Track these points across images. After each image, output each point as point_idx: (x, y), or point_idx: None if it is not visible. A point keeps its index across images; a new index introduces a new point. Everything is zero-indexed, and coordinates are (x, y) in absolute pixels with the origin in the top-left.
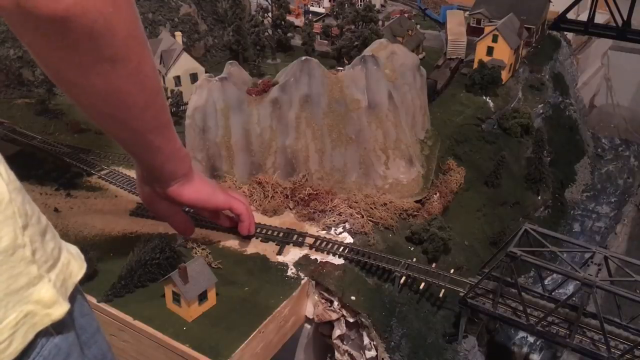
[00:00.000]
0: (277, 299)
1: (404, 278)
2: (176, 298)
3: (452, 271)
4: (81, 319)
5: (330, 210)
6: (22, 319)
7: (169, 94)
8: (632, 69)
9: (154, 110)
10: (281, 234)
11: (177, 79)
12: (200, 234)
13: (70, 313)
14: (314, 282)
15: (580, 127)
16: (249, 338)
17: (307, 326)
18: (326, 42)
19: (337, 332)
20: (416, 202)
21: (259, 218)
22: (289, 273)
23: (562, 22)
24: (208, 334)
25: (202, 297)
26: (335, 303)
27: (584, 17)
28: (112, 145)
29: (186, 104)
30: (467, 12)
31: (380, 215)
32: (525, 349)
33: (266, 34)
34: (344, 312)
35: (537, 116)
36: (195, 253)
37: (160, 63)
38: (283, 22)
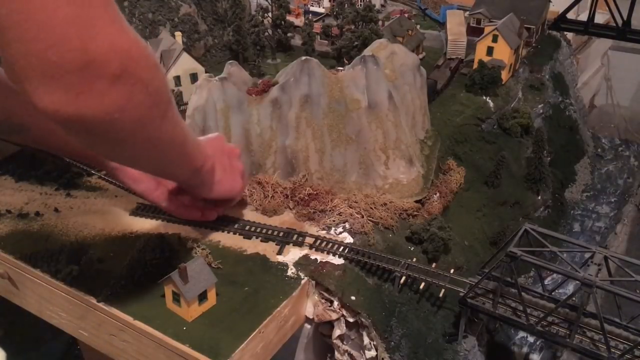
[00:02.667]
0: (277, 299)
1: (404, 278)
2: (176, 298)
3: (452, 271)
4: None
5: (330, 210)
6: None
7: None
8: (632, 69)
9: (182, 155)
10: (281, 234)
11: (177, 79)
12: (200, 234)
13: None
14: (314, 282)
15: (580, 127)
16: (249, 338)
17: (307, 326)
18: (326, 42)
19: (337, 332)
20: (416, 202)
21: (259, 218)
22: (289, 273)
23: (562, 22)
24: (208, 334)
25: (202, 297)
26: (335, 303)
27: (584, 17)
28: None
29: (186, 104)
30: (467, 12)
31: (380, 215)
32: (525, 349)
33: (266, 34)
34: (344, 312)
35: (537, 116)
36: (195, 253)
37: (161, 63)
38: (283, 22)
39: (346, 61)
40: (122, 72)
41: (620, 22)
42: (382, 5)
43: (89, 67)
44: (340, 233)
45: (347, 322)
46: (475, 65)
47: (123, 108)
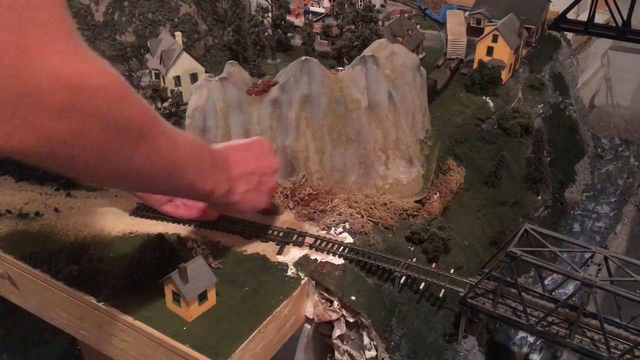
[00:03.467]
0: (277, 299)
1: (404, 278)
2: (176, 298)
3: (452, 271)
4: None
5: (330, 210)
6: None
7: (169, 94)
8: (632, 69)
9: (176, 184)
10: (281, 234)
11: (177, 79)
12: (200, 234)
13: None
14: (314, 282)
15: (580, 127)
16: (249, 338)
17: (307, 326)
18: (326, 42)
19: (337, 332)
20: (416, 202)
21: (259, 218)
22: (289, 273)
23: (562, 22)
24: (208, 334)
25: (202, 297)
26: (335, 303)
27: (584, 17)
28: None
29: (186, 104)
30: (467, 12)
31: (380, 215)
32: (525, 349)
33: (266, 34)
34: (344, 312)
35: (537, 116)
36: (195, 253)
37: (160, 63)
38: (283, 22)
39: (346, 61)
40: (68, 106)
41: (620, 22)
42: (382, 5)
43: (25, 99)
44: (340, 233)
45: (347, 322)
46: (475, 65)
47: (69, 144)
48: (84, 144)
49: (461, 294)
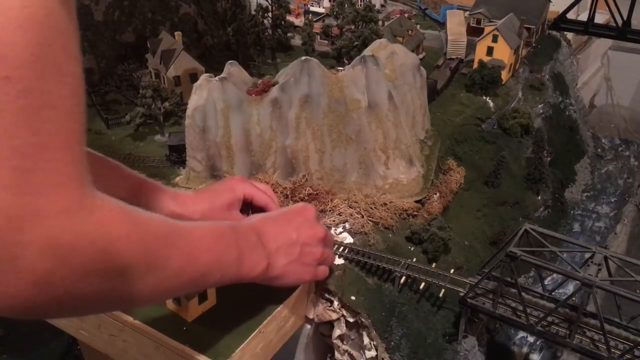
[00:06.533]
0: (277, 299)
1: (404, 278)
2: (176, 298)
3: (452, 271)
4: None
5: (330, 210)
6: None
7: (169, 94)
8: (632, 69)
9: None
10: None
11: (177, 79)
12: None
13: None
14: (314, 282)
15: (580, 127)
16: (249, 338)
17: (307, 326)
18: (326, 42)
19: (337, 332)
20: (416, 202)
21: None
22: None
23: (562, 22)
24: (208, 334)
25: (202, 297)
26: (335, 303)
27: (584, 17)
28: (112, 145)
29: (186, 104)
30: (467, 12)
31: (380, 215)
32: (525, 349)
33: (266, 34)
34: (344, 312)
35: (537, 116)
36: None
37: (160, 63)
38: (283, 22)
39: (346, 61)
40: (53, 274)
41: (620, 22)
42: (382, 5)
43: (6, 264)
44: (340, 233)
45: (347, 322)
46: (475, 65)
47: (52, 307)
48: (72, 305)
49: (461, 294)
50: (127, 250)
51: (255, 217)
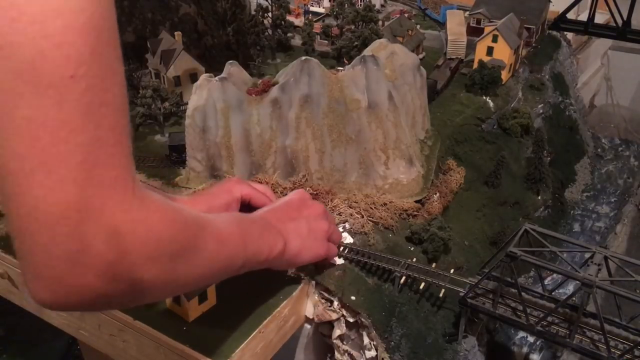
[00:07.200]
0: (277, 299)
1: (404, 278)
2: (176, 298)
3: (452, 271)
4: None
5: (330, 210)
6: None
7: (169, 94)
8: (632, 69)
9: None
10: None
11: (177, 79)
12: None
13: None
14: (314, 282)
15: (580, 127)
16: (249, 338)
17: (307, 326)
18: (326, 42)
19: (337, 332)
20: (416, 202)
21: None
22: (289, 273)
23: (562, 22)
24: (208, 334)
25: (202, 297)
26: (335, 303)
27: (584, 17)
28: None
29: (186, 104)
30: (467, 12)
31: (380, 215)
32: (525, 349)
33: (266, 34)
34: (344, 312)
35: (537, 116)
36: None
37: (160, 63)
38: (283, 22)
39: (346, 61)
40: (118, 264)
41: (620, 22)
42: (382, 5)
43: (77, 255)
44: (341, 233)
45: (347, 322)
46: (475, 65)
47: (115, 299)
48: (133, 294)
49: (461, 294)
50: (175, 236)
51: (257, 211)
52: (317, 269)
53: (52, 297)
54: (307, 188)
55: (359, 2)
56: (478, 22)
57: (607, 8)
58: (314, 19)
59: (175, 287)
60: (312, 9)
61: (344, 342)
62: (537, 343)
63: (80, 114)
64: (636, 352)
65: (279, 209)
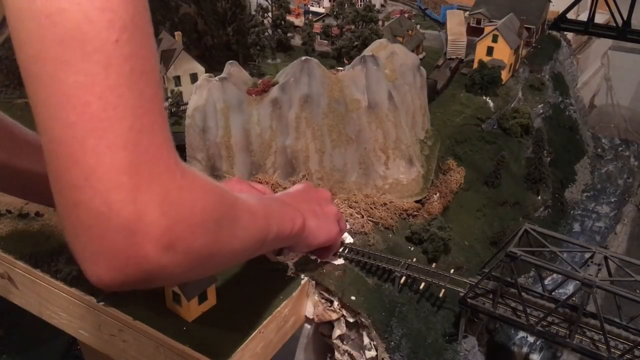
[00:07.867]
0: (277, 299)
1: (404, 278)
2: (176, 298)
3: (452, 271)
4: None
5: None
6: None
7: (169, 94)
8: (632, 69)
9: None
10: None
11: (177, 79)
12: None
13: None
14: (314, 282)
15: (580, 127)
16: (249, 338)
17: (307, 326)
18: (326, 42)
19: (337, 332)
20: (416, 202)
21: None
22: (289, 273)
23: (562, 22)
24: (208, 334)
25: (202, 297)
26: (335, 303)
27: (584, 17)
28: None
29: (186, 104)
30: (467, 12)
31: (380, 215)
32: (525, 349)
33: (266, 34)
34: (344, 312)
35: (537, 116)
36: None
37: (160, 63)
38: (283, 22)
39: (346, 61)
40: (173, 232)
41: (620, 22)
42: (382, 5)
43: (135, 224)
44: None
45: (347, 322)
46: (475, 65)
47: (182, 273)
48: (185, 265)
49: (461, 294)
50: (217, 204)
51: (269, 195)
52: (317, 269)
53: (111, 274)
54: None
55: (359, 2)
56: (478, 22)
57: (607, 8)
58: (314, 19)
59: (221, 259)
60: (312, 9)
61: (344, 342)
62: (537, 343)
63: (126, 80)
64: (636, 352)
65: (290, 193)
